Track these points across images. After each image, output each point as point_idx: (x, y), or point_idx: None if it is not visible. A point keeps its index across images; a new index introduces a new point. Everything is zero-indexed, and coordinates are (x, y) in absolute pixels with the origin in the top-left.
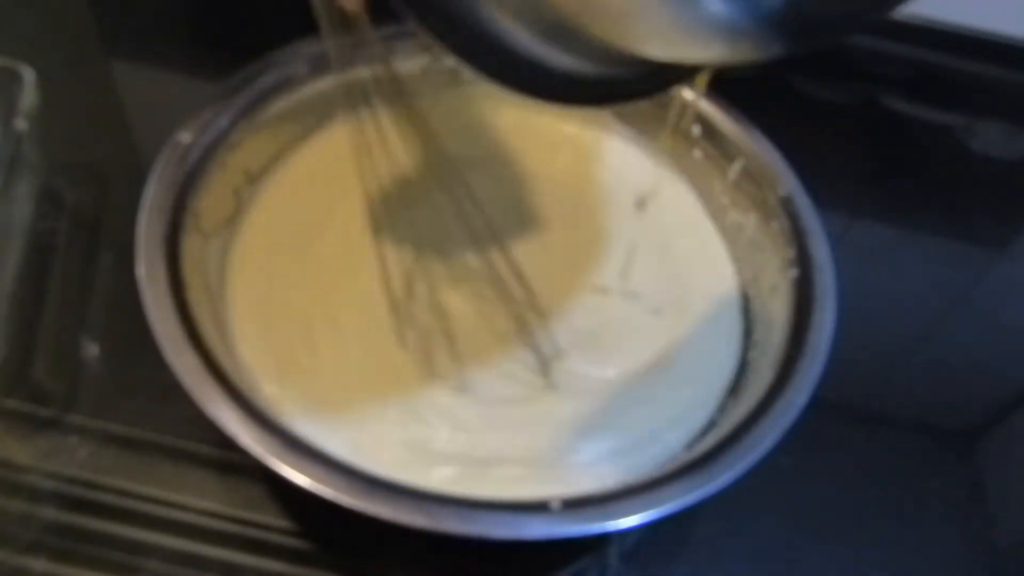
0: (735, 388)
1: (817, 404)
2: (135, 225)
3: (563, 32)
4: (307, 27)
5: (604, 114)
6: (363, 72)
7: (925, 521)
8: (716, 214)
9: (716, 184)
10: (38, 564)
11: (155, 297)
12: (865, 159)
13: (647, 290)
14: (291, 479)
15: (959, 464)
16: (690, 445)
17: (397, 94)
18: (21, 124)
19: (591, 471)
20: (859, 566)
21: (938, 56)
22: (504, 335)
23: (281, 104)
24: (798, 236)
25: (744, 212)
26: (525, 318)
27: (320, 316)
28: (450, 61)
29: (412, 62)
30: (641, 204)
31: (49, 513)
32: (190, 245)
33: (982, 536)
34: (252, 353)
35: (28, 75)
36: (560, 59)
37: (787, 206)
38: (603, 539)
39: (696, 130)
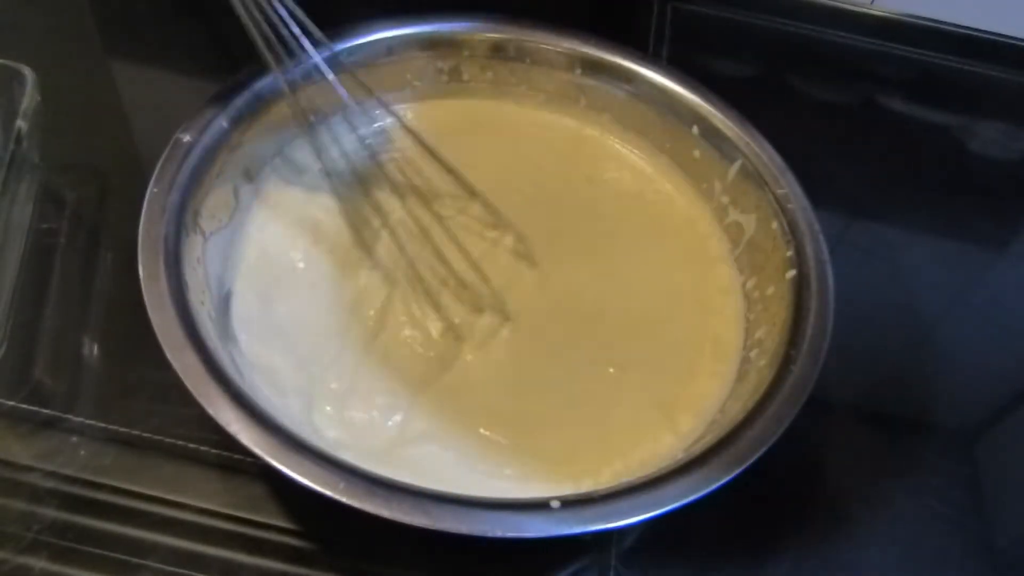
0: (735, 388)
1: (816, 404)
2: (135, 225)
3: None
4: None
5: (603, 115)
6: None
7: (925, 521)
8: (716, 214)
9: (716, 184)
10: (39, 563)
11: (155, 297)
12: (864, 159)
13: (646, 289)
14: (291, 479)
15: (959, 464)
16: (690, 445)
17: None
18: (21, 124)
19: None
20: (859, 565)
21: (937, 56)
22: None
23: (281, 104)
24: (797, 236)
25: (744, 212)
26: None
27: (321, 315)
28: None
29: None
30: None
31: (49, 512)
32: (190, 245)
33: (982, 536)
34: (253, 352)
35: (29, 75)
36: None
37: (786, 206)
38: (603, 539)
39: (696, 130)
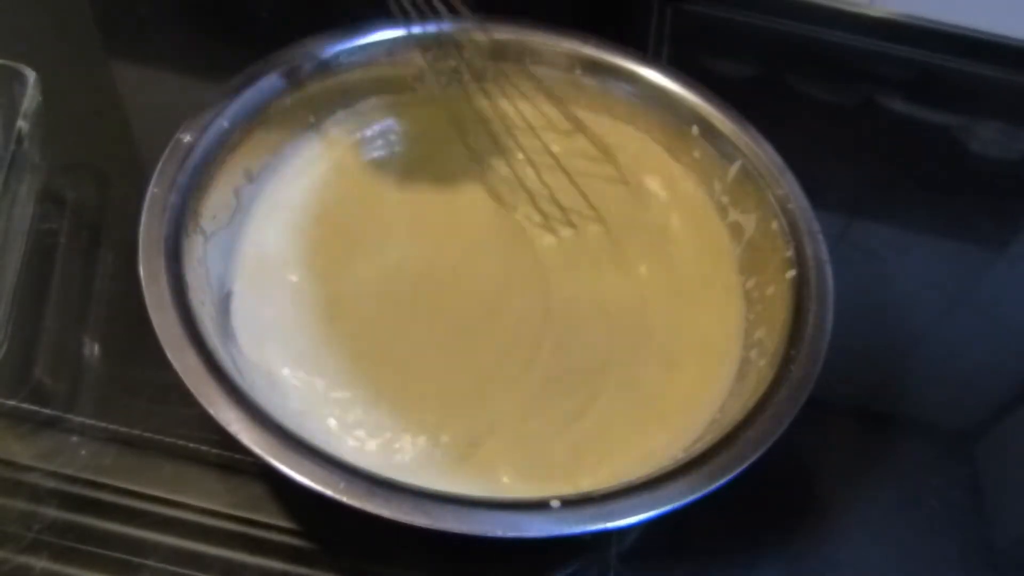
0: (735, 388)
1: (816, 404)
2: (136, 225)
3: None
4: (307, 27)
5: (603, 116)
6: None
7: (925, 521)
8: (716, 214)
9: (716, 184)
10: (39, 563)
11: (155, 297)
12: (864, 160)
13: (646, 290)
14: (291, 479)
15: (959, 464)
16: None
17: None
18: (22, 124)
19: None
20: (859, 566)
21: (937, 57)
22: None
23: (281, 104)
24: (797, 236)
25: (744, 212)
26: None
27: (321, 315)
28: None
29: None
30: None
31: (50, 512)
32: (190, 245)
33: (982, 536)
34: (252, 353)
35: (29, 76)
36: None
37: (786, 206)
38: (602, 539)
39: (696, 130)
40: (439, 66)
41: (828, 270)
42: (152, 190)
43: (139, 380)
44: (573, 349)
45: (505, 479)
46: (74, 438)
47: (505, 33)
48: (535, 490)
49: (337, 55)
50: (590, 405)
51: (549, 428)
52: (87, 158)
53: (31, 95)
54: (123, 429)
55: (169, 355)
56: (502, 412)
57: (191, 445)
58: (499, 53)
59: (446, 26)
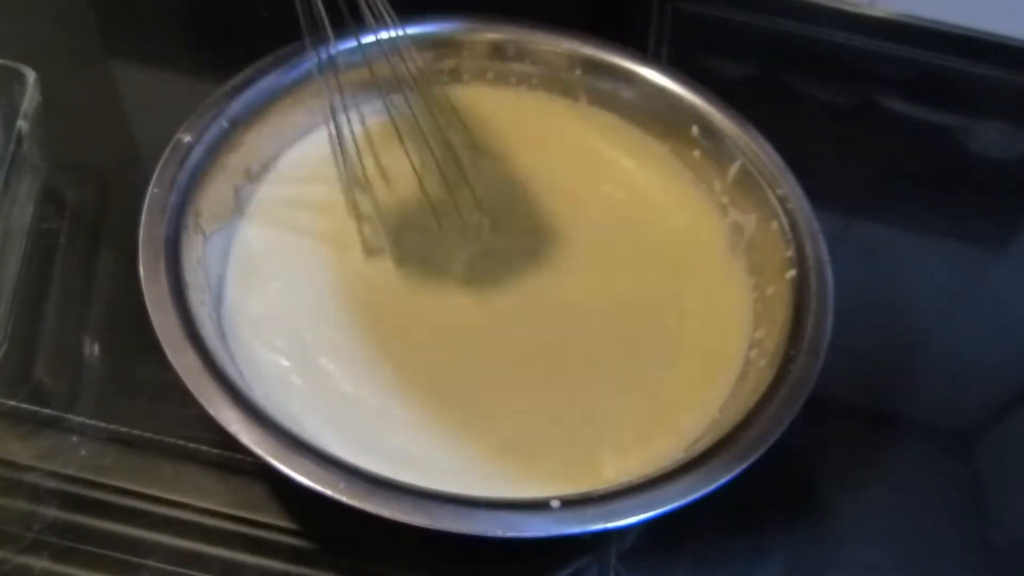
0: (735, 387)
1: (816, 404)
2: (136, 225)
3: None
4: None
5: (603, 115)
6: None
7: (925, 521)
8: (716, 214)
9: (716, 184)
10: (39, 563)
11: (155, 297)
12: (863, 160)
13: (647, 290)
14: (291, 479)
15: (959, 464)
16: (690, 445)
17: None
18: (22, 124)
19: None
20: (859, 566)
21: (937, 57)
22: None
23: (281, 104)
24: (797, 236)
25: (744, 212)
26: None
27: (321, 316)
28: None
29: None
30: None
31: (50, 512)
32: (190, 245)
33: (982, 536)
34: (253, 353)
35: (29, 76)
36: None
37: (786, 206)
38: (603, 538)
39: (696, 130)
40: (439, 65)
41: (828, 270)
42: (152, 190)
43: (139, 380)
44: (573, 351)
45: (507, 477)
46: (74, 438)
47: (505, 33)
48: (535, 490)
49: (337, 55)
50: (590, 407)
51: (550, 428)
52: (87, 158)
53: (31, 95)
54: (123, 429)
55: (169, 355)
56: (503, 412)
57: (191, 445)
58: (499, 53)
59: (445, 27)
